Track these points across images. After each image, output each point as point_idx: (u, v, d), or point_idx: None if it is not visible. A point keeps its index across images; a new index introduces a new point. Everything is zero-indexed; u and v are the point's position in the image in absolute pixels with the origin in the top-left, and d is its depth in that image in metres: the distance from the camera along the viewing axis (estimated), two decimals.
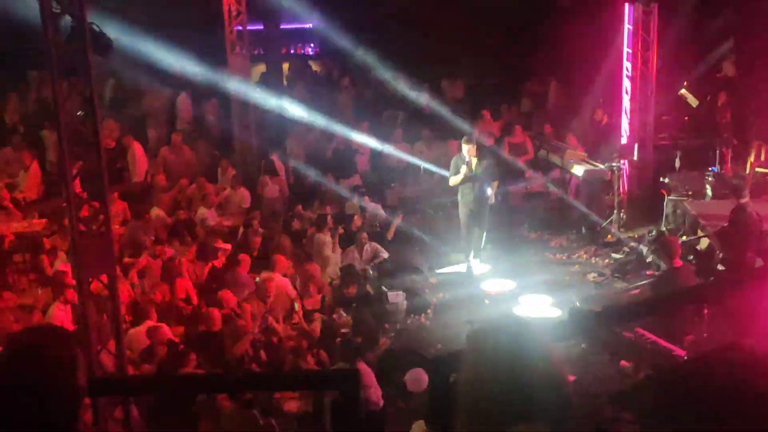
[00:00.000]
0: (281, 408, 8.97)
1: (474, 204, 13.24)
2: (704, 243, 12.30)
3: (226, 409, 8.40)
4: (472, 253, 13.49)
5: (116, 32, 8.98)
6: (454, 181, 13.29)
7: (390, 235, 13.94)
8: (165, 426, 8.42)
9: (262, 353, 9.84)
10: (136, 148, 16.00)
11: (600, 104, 17.20)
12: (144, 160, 16.09)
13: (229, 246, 12.81)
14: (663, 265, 10.67)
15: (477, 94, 20.36)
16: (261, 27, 21.42)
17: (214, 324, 9.97)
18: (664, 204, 13.74)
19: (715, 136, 15.27)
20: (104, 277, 8.15)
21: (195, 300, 11.38)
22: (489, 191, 13.18)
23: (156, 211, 14.01)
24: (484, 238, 13.66)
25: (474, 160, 13.05)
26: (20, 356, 2.77)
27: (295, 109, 17.58)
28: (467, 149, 13.03)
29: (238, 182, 15.51)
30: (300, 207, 14.62)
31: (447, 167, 13.64)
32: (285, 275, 11.83)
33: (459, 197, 13.43)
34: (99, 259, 8.00)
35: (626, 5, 15.10)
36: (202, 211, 14.25)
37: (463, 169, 13.02)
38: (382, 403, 8.84)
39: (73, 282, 8.62)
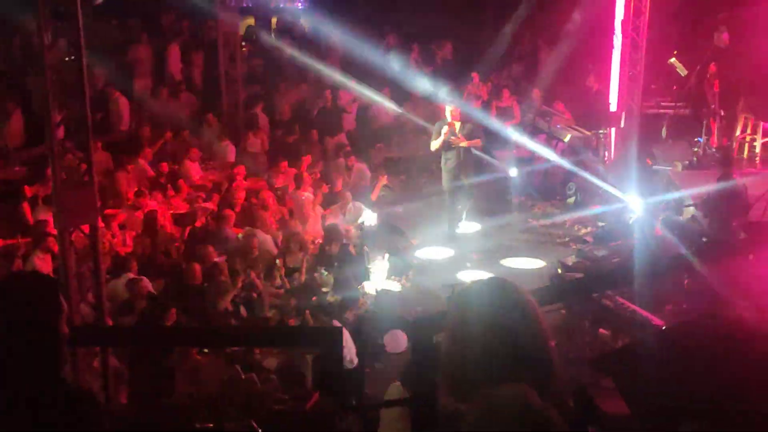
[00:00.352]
0: (261, 364, 8.97)
1: (457, 170, 12.83)
2: (687, 213, 12.34)
3: (204, 363, 8.40)
4: (455, 222, 13.29)
5: None
6: (435, 145, 12.84)
7: (374, 196, 13.91)
8: (142, 380, 8.43)
9: (242, 309, 9.84)
10: (121, 99, 15.84)
11: (591, 71, 17.13)
12: (128, 110, 15.94)
13: (210, 205, 12.74)
14: (645, 233, 10.72)
15: (466, 56, 20.22)
16: None
17: (195, 278, 9.95)
18: (649, 173, 13.75)
19: (703, 107, 15.28)
20: (86, 228, 8.09)
21: (175, 254, 11.35)
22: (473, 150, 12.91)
23: (140, 163, 13.90)
24: (466, 209, 13.41)
25: (457, 124, 12.69)
26: (4, 301, 2.76)
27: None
28: (450, 111, 12.75)
29: (224, 136, 15.39)
30: (285, 163, 14.52)
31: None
32: (267, 232, 11.81)
33: (442, 163, 13.01)
34: (81, 209, 7.93)
35: None
36: (186, 165, 14.16)
37: (444, 130, 12.61)
38: (356, 361, 8.88)
39: (54, 231, 8.57)
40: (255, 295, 10.11)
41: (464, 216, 13.40)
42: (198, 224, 12.05)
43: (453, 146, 12.68)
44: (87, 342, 5.32)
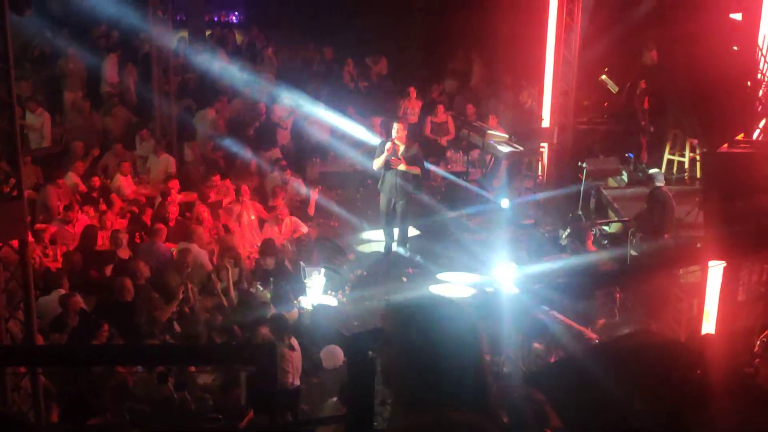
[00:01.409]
0: (195, 381, 8.86)
1: (393, 193, 12.49)
2: (615, 227, 12.55)
3: (134, 380, 8.27)
4: (392, 245, 12.94)
5: None
6: (377, 163, 12.48)
7: (311, 210, 13.88)
8: (71, 398, 8.26)
9: (176, 325, 9.71)
10: (44, 114, 15.53)
11: (524, 86, 17.34)
12: (49, 125, 15.64)
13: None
14: (577, 249, 10.87)
15: (401, 71, 20.33)
16: None
17: (127, 294, 9.79)
18: (581, 188, 13.94)
19: (633, 123, 15.58)
20: (15, 243, 7.91)
21: (109, 269, 11.16)
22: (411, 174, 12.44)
23: (71, 177, 13.66)
24: (407, 231, 13.00)
25: (402, 147, 12.34)
26: None
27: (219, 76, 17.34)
28: (397, 130, 12.34)
29: (162, 149, 15.21)
30: (218, 177, 14.37)
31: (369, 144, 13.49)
32: (202, 247, 11.70)
33: (380, 184, 12.68)
34: (10, 224, 7.74)
35: None
36: (119, 179, 13.96)
37: (388, 145, 12.24)
38: (298, 382, 8.86)
39: None
40: (187, 310, 9.98)
41: (400, 238, 12.96)
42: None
43: (392, 167, 12.36)
44: (14, 362, 5.19)
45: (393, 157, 12.28)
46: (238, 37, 23.33)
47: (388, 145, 12.26)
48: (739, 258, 6.89)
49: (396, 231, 12.86)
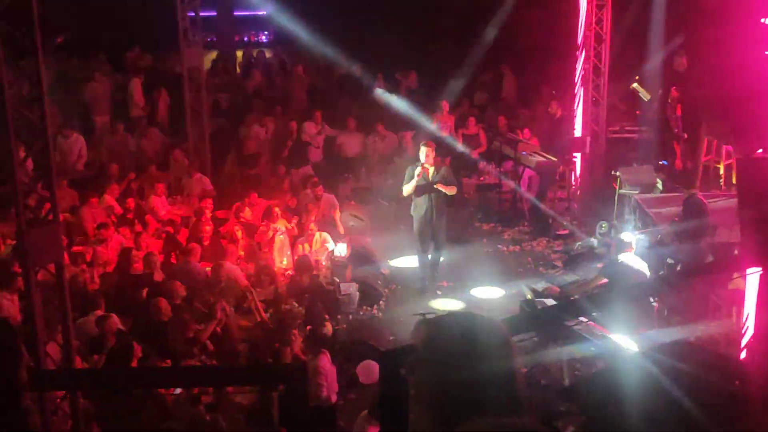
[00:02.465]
0: (233, 400, 8.87)
1: (428, 217, 12.02)
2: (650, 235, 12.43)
3: (171, 401, 8.30)
4: (426, 276, 12.49)
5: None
6: (407, 190, 12.01)
7: (340, 228, 13.88)
8: (111, 419, 8.31)
9: (209, 343, 9.73)
10: (78, 138, 15.75)
11: (554, 96, 17.28)
12: (85, 148, 15.85)
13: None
14: (614, 258, 10.76)
15: (432, 85, 20.34)
16: (214, 13, 21.24)
17: (164, 315, 9.84)
18: (615, 197, 13.85)
19: (666, 131, 15.46)
20: (52, 267, 7.99)
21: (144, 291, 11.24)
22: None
23: (107, 200, 13.81)
24: (440, 260, 12.59)
25: (431, 169, 11.83)
26: None
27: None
28: (425, 153, 11.81)
29: (195, 169, 15.34)
30: (254, 195, 14.46)
31: (400, 158, 13.42)
32: (238, 265, 11.77)
33: (412, 209, 12.25)
34: (46, 247, 7.83)
35: None
36: (152, 200, 14.08)
37: (417, 170, 11.77)
38: (335, 399, 8.83)
39: (20, 271, 8.45)
40: (219, 330, 9.97)
41: (438, 266, 12.60)
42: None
43: (425, 192, 11.90)
44: (52, 387, 5.24)
45: (425, 182, 11.83)
46: (269, 56, 23.54)
47: (418, 170, 11.79)
48: None
49: (431, 253, 12.49)
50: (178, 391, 8.37)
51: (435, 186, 11.83)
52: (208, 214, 13.34)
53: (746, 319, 8.32)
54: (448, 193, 12.04)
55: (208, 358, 9.50)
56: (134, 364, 8.55)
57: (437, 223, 12.12)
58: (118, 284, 11.12)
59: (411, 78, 20.61)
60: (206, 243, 12.49)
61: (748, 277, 8.21)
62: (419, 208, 12.08)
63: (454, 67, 19.72)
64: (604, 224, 13.46)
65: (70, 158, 15.51)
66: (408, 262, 13.29)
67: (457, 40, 20.51)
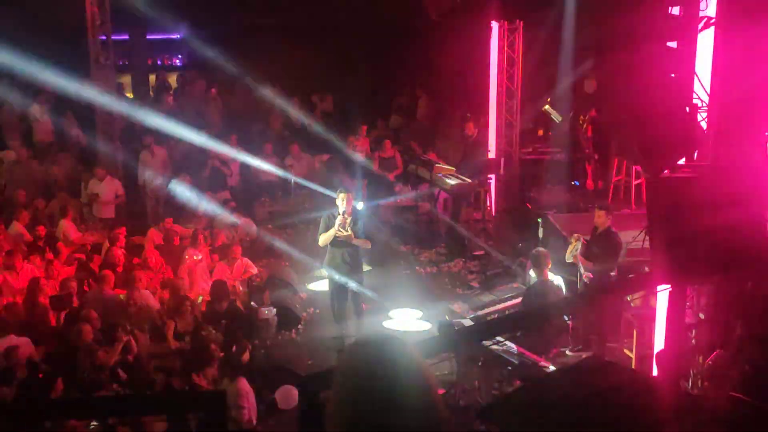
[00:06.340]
0: (150, 429, 8.68)
1: (344, 270, 11.14)
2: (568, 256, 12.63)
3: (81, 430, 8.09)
4: (342, 318, 11.49)
5: None
6: (323, 239, 11.11)
7: (260, 250, 13.79)
8: None
9: (120, 372, 9.51)
10: None
11: (469, 119, 17.50)
12: None
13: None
14: (529, 278, 10.91)
15: (347, 108, 20.40)
16: (126, 37, 20.96)
17: (84, 341, 9.58)
18: (531, 217, 14.02)
19: (577, 152, 15.76)
20: None
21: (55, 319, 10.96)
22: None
23: (15, 227, 13.46)
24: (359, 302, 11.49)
25: (349, 219, 10.93)
26: None
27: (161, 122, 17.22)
28: (342, 199, 10.90)
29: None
30: (170, 221, 14.26)
31: (317, 181, 13.31)
32: (152, 291, 11.57)
33: (326, 259, 11.33)
34: None
35: (492, 22, 15.47)
36: (64, 226, 13.78)
37: (338, 221, 10.87)
38: (254, 422, 8.74)
39: None
40: (131, 358, 9.76)
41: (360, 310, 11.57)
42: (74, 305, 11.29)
43: (342, 246, 11.04)
44: None
45: (341, 231, 10.93)
46: (181, 80, 23.27)
47: (339, 219, 10.89)
48: (685, 281, 6.96)
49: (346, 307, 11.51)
50: (93, 423, 8.18)
51: (350, 240, 10.99)
52: (122, 239, 13.11)
53: (656, 335, 8.55)
54: (363, 247, 11.32)
55: (121, 387, 9.28)
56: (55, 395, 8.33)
57: (356, 276, 11.24)
58: (29, 313, 10.82)
59: (327, 101, 20.64)
60: (119, 270, 12.25)
61: (658, 294, 8.44)
62: (334, 259, 11.18)
63: (370, 90, 19.87)
64: (520, 244, 13.59)
65: None
66: (326, 285, 13.23)
67: (374, 63, 20.63)
